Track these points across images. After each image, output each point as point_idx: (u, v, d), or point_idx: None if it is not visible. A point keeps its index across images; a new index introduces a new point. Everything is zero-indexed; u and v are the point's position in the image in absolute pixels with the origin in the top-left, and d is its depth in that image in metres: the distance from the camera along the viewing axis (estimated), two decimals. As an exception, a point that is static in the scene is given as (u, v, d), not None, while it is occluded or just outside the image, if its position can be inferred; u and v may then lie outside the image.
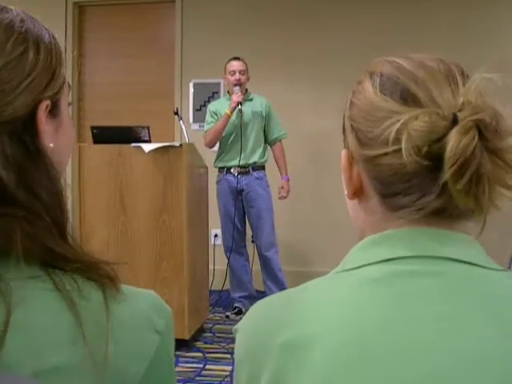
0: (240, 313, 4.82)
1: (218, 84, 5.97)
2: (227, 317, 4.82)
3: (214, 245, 5.64)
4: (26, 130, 0.72)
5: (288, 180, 4.97)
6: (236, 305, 4.92)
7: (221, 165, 4.85)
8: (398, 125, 0.70)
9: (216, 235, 5.79)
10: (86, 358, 0.65)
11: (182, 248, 3.66)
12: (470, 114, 0.68)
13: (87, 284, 0.71)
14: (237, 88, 4.68)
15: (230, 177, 4.80)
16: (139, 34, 6.15)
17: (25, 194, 0.69)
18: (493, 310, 0.68)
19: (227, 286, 5.14)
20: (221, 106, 4.84)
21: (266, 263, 4.80)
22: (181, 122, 4.47)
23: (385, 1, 5.65)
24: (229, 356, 3.79)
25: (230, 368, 3.60)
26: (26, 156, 0.72)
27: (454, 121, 0.68)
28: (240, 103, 4.61)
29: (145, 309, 0.76)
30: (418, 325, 0.67)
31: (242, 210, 4.89)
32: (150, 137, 3.90)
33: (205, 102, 5.99)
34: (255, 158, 4.80)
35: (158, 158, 3.62)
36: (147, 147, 3.59)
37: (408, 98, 0.73)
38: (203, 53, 5.92)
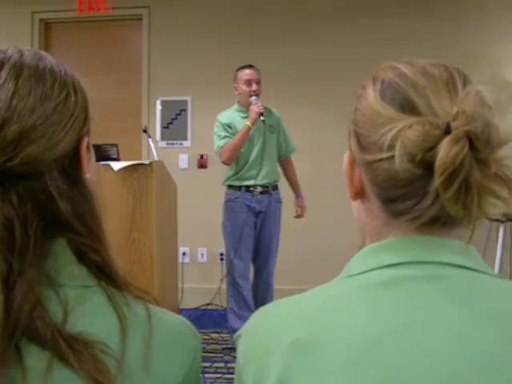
0: None
1: (186, 101, 5.98)
2: None
3: (182, 263, 5.62)
4: (71, 164, 0.83)
5: (303, 197, 4.67)
6: None
7: (237, 183, 4.43)
8: (393, 132, 0.72)
9: (184, 253, 5.78)
10: (130, 363, 0.73)
11: (152, 266, 3.62)
12: (462, 124, 0.70)
13: (133, 300, 0.81)
14: (254, 98, 4.30)
15: (248, 195, 4.40)
16: (106, 51, 6.13)
17: (78, 223, 0.80)
18: (491, 312, 0.71)
19: (198, 303, 5.12)
20: (233, 118, 4.45)
21: (267, 289, 4.47)
22: (149, 139, 4.44)
23: (370, 15, 5.73)
24: (200, 375, 3.74)
25: (201, 387, 3.57)
26: (73, 188, 0.82)
27: (447, 130, 0.70)
28: (262, 114, 4.21)
29: (182, 328, 0.86)
30: (423, 326, 0.69)
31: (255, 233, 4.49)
32: (118, 154, 3.89)
33: (172, 119, 6.00)
34: (275, 177, 4.50)
35: (127, 177, 3.59)
36: (116, 165, 3.56)
37: (406, 106, 0.75)
38: (171, 70, 5.92)
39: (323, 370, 0.68)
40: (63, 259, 0.77)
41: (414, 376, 0.65)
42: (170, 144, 6.01)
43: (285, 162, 4.66)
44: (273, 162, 4.48)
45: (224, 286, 5.16)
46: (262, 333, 0.79)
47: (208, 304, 5.45)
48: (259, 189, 4.39)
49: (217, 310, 5.51)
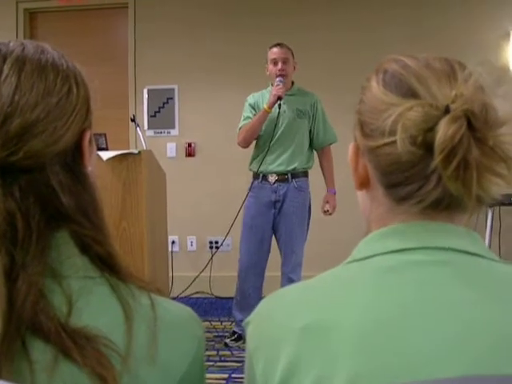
0: (239, 339, 4.21)
1: (173, 90, 5.96)
2: (226, 344, 4.20)
3: (172, 251, 5.63)
4: (73, 158, 0.83)
5: (335, 193, 4.24)
6: (235, 330, 4.29)
7: (256, 169, 4.15)
8: (394, 116, 0.74)
9: (173, 242, 5.78)
10: (136, 353, 0.73)
11: (143, 255, 3.62)
12: (460, 104, 0.72)
13: (137, 291, 0.80)
14: (278, 79, 3.98)
15: (266, 184, 4.12)
16: (92, 40, 6.08)
17: (81, 216, 0.80)
18: (496, 294, 0.73)
19: (188, 292, 5.14)
20: (262, 98, 4.17)
21: (289, 282, 3.89)
22: (138, 128, 4.43)
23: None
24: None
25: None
26: (76, 182, 0.82)
27: (446, 111, 0.73)
28: (280, 98, 3.92)
29: (186, 317, 0.86)
30: (432, 308, 0.71)
31: (273, 224, 4.20)
32: (107, 144, 3.87)
33: (159, 108, 5.98)
34: (295, 164, 4.09)
35: (116, 166, 3.58)
36: (105, 155, 3.54)
37: (407, 93, 0.78)
38: (157, 59, 5.90)
39: (333, 354, 0.69)
40: (66, 251, 0.77)
41: (425, 357, 0.66)
42: (157, 133, 5.99)
43: (321, 153, 4.31)
44: (297, 149, 4.12)
45: (214, 274, 5.18)
46: (271, 319, 0.80)
47: (198, 292, 5.46)
48: (275, 176, 4.11)
49: (206, 298, 5.53)
